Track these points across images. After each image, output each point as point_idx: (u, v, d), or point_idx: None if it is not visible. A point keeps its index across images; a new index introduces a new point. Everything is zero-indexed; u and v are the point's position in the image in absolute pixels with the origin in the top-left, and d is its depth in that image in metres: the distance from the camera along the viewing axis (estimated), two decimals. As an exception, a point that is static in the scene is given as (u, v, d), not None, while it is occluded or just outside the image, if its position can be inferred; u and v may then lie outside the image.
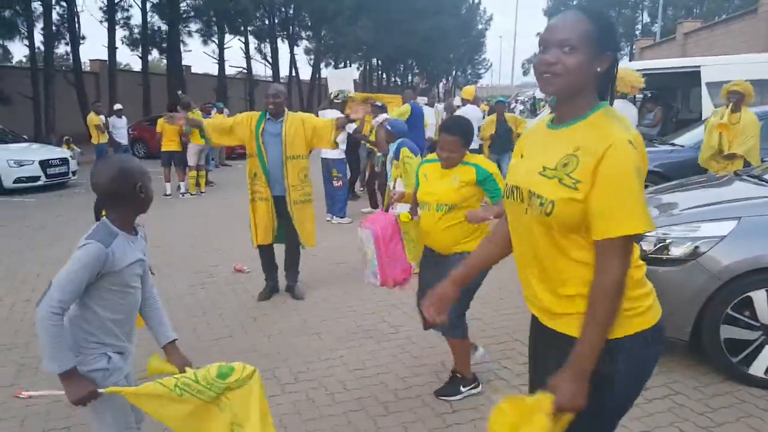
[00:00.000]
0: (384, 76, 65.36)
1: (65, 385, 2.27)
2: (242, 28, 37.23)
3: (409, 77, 66.80)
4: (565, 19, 1.87)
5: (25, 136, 16.71)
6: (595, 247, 1.82)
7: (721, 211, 4.37)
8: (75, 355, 2.32)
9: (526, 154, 2.07)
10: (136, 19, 30.62)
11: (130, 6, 31.23)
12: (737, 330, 4.04)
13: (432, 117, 12.19)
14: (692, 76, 11.06)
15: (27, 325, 5.34)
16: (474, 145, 11.11)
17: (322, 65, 47.40)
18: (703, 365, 4.29)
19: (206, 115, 14.29)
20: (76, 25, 26.79)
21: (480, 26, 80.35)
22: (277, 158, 5.65)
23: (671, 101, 13.31)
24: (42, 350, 2.22)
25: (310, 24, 43.31)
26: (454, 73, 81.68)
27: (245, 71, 39.87)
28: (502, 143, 10.79)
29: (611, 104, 1.96)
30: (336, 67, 45.95)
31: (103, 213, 3.14)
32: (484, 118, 12.32)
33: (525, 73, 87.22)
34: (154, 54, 33.42)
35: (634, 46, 47.07)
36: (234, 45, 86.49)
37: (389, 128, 6.99)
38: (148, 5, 30.11)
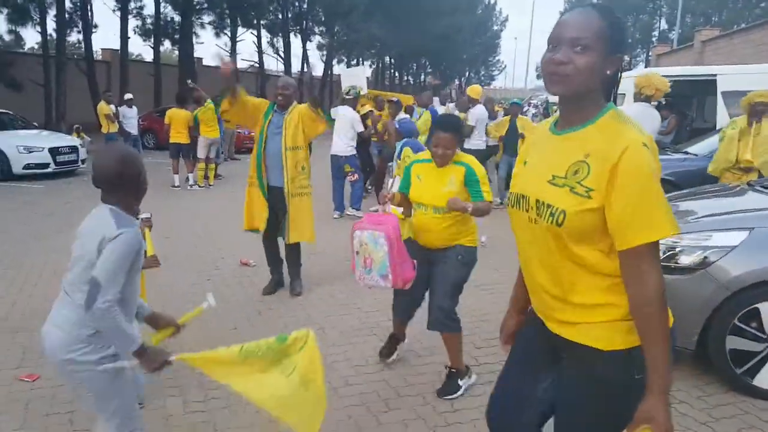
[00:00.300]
0: (396, 74, 65.30)
1: (142, 359, 2.47)
2: (255, 22, 37.18)
3: (422, 76, 66.74)
4: (579, 17, 1.78)
5: (35, 123, 16.75)
6: (623, 257, 1.74)
7: (733, 221, 4.35)
8: (85, 345, 2.42)
9: (530, 161, 1.99)
10: (149, 9, 30.47)
11: (144, -5, 31.29)
12: (743, 341, 4.01)
13: None
14: (708, 85, 10.98)
15: (33, 310, 5.36)
16: (481, 145, 11.18)
17: (335, 61, 47.37)
18: (707, 375, 4.26)
19: (218, 107, 14.28)
20: (89, 14, 26.79)
21: (495, 27, 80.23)
22: (277, 149, 5.68)
23: (686, 109, 13.22)
24: (113, 339, 2.42)
25: (323, 19, 43.22)
26: (467, 73, 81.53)
27: (257, 65, 39.87)
28: (515, 146, 10.77)
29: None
30: (348, 64, 45.97)
31: None
32: (492, 118, 12.34)
33: (539, 77, 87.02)
34: (166, 45, 33.43)
35: (650, 53, 46.83)
36: (246, 38, 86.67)
37: (397, 126, 6.99)
38: (162, -5, 30.12)
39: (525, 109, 22.94)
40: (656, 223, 1.68)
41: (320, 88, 44.33)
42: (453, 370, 4.09)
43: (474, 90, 11.81)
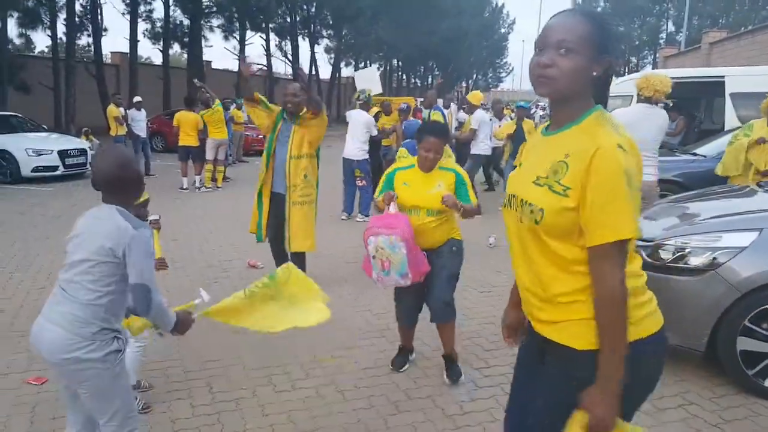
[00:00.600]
0: (404, 77, 65.41)
1: (177, 332, 2.72)
2: (264, 25, 37.34)
3: (429, 79, 66.82)
4: (564, 20, 1.83)
5: (44, 126, 16.81)
6: (589, 255, 1.78)
7: (743, 222, 4.32)
8: (90, 342, 2.42)
9: (524, 163, 2.04)
10: (159, 12, 30.67)
11: (153, -1, 31.49)
12: (754, 342, 3.98)
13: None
14: (716, 86, 10.96)
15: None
16: (488, 150, 11.21)
17: (343, 64, 47.48)
18: (718, 377, 4.23)
19: (226, 110, 14.33)
20: (99, 17, 26.99)
21: (503, 30, 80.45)
22: (283, 157, 5.74)
23: (694, 111, 13.20)
24: (164, 325, 2.64)
25: (331, 23, 43.38)
26: (474, 75, 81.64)
27: (265, 68, 39.98)
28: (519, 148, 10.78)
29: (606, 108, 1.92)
30: (356, 67, 46.07)
31: None
32: (500, 118, 12.41)
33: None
34: (175, 48, 33.66)
35: (657, 55, 46.80)
36: (255, 42, 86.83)
37: (402, 127, 7.04)
38: (171, -1, 30.28)
39: (533, 111, 22.97)
40: (618, 224, 1.71)
41: (328, 90, 44.46)
42: (450, 356, 4.27)
43: (474, 96, 12.00)
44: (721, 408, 3.87)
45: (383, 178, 4.23)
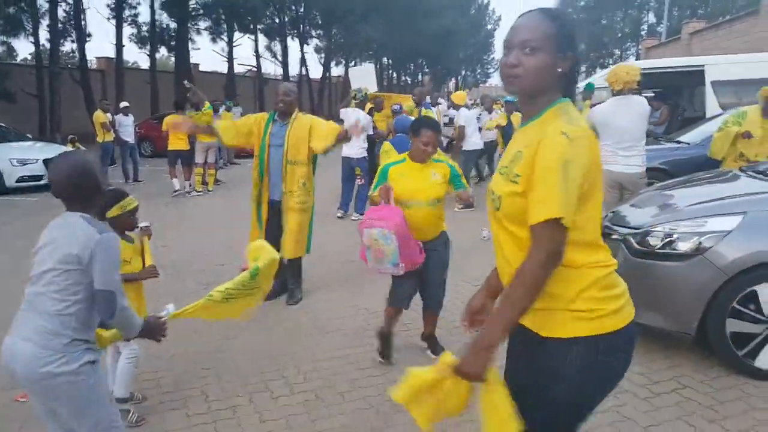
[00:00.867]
0: (394, 75, 65.44)
1: (147, 336, 2.70)
2: (252, 26, 37.13)
3: (419, 76, 66.90)
4: (528, 21, 1.90)
5: (29, 135, 16.61)
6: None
7: (727, 206, 4.38)
8: (61, 356, 2.36)
9: (504, 155, 2.10)
10: (145, 16, 30.61)
11: (138, 3, 31.25)
12: (743, 323, 4.05)
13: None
14: (697, 75, 11.14)
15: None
16: (480, 144, 11.39)
17: (333, 64, 47.41)
18: (709, 359, 4.29)
19: (216, 113, 14.23)
20: (83, 23, 26.80)
21: (489, 26, 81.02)
22: (278, 162, 5.58)
23: (677, 100, 13.33)
24: (128, 331, 2.60)
25: (320, 22, 43.24)
26: (463, 72, 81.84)
27: (254, 69, 39.81)
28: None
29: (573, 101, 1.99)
30: (346, 66, 46.00)
31: (110, 214, 3.24)
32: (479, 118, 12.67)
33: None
34: (162, 52, 33.44)
35: (640, 46, 47.06)
36: (244, 43, 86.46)
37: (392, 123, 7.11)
38: (157, 2, 30.04)
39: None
40: (545, 203, 1.76)
41: (319, 90, 44.35)
42: (432, 335, 4.61)
43: (458, 96, 12.51)
44: (714, 389, 3.93)
45: (377, 173, 4.38)
